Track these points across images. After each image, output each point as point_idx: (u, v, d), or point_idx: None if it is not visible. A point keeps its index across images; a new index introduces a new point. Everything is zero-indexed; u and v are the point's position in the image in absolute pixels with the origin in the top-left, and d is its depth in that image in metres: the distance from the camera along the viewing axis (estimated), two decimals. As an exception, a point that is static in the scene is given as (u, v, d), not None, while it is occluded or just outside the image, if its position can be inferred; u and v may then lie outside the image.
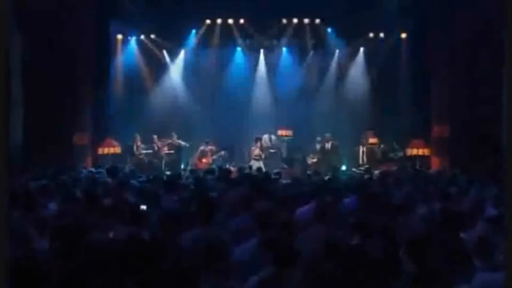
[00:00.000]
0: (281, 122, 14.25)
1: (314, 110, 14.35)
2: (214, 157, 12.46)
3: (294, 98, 14.38)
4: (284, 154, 13.40)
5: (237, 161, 13.07)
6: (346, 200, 5.19)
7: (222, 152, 12.71)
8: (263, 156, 11.65)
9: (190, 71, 14.07)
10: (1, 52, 2.13)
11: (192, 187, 6.25)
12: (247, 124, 14.43)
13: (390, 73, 13.46)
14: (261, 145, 11.62)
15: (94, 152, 11.68)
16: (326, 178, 7.11)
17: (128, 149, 11.89)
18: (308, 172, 9.88)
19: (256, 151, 11.33)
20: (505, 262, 2.35)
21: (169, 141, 12.28)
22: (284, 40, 14.08)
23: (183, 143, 12.32)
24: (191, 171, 8.92)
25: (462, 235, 3.51)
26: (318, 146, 12.48)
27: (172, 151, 12.19)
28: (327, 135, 12.34)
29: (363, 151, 11.93)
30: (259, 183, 5.65)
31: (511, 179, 2.35)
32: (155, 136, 12.06)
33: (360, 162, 11.67)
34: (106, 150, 11.58)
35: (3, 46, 2.19)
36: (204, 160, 12.23)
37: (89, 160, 11.50)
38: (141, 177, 7.36)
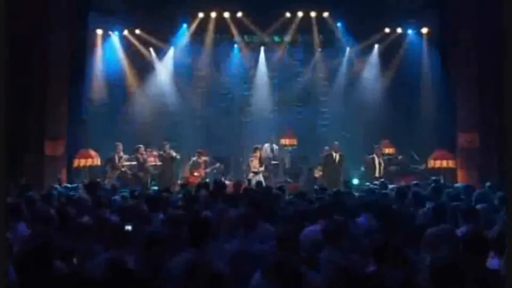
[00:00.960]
0: (284, 129, 14.32)
1: (322, 116, 14.48)
2: (208, 169, 12.48)
3: (298, 102, 14.55)
4: (288, 166, 13.48)
5: (234, 175, 13.22)
6: (359, 220, 5.19)
7: (217, 164, 12.73)
8: (263, 168, 11.66)
9: (180, 71, 14.18)
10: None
11: (182, 204, 6.27)
12: (246, 132, 14.60)
13: (409, 74, 13.50)
14: (261, 155, 11.63)
15: (69, 164, 11.67)
16: (336, 193, 7.12)
17: (108, 161, 11.89)
18: (315, 186, 9.87)
19: (256, 163, 11.34)
20: (506, 261, 2.59)
21: (158, 151, 12.31)
22: (287, 37, 14.19)
23: (173, 153, 12.35)
24: (182, 185, 8.92)
25: (491, 261, 3.50)
26: (330, 155, 12.49)
27: (159, 163, 12.19)
28: (337, 144, 12.38)
29: (378, 163, 11.89)
30: (259, 199, 5.65)
31: (511, 179, 2.42)
32: (140, 146, 12.06)
33: (375, 175, 11.65)
34: (83, 162, 11.56)
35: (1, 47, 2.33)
36: (196, 174, 12.24)
37: (63, 173, 11.48)
38: (124, 193, 7.37)
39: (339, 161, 11.92)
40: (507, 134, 2.97)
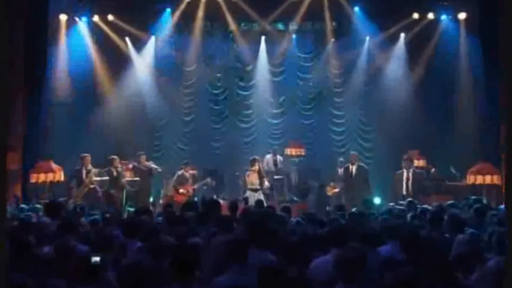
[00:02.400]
0: (289, 136, 14.44)
1: (336, 121, 14.56)
2: (196, 186, 12.50)
3: (307, 105, 14.65)
4: (294, 182, 13.52)
5: (228, 192, 13.32)
6: (382, 249, 5.19)
7: (208, 179, 12.76)
8: (264, 184, 11.63)
9: (163, 66, 14.27)
10: (2, 53, 2.43)
11: (165, 229, 6.26)
12: (243, 140, 14.67)
13: (443, 69, 13.58)
14: (261, 169, 11.60)
15: (26, 180, 11.67)
16: (353, 215, 7.12)
17: (74, 176, 11.87)
18: (328, 207, 9.86)
19: (254, 178, 11.30)
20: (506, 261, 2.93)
21: (134, 164, 12.31)
22: (293, 24, 14.30)
23: (154, 166, 12.36)
24: (165, 206, 8.92)
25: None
26: (341, 170, 12.49)
27: (137, 178, 12.21)
28: (354, 153, 12.41)
29: (406, 178, 11.88)
30: (258, 223, 5.65)
31: (511, 179, 3.07)
32: (114, 157, 12.06)
33: (401, 193, 11.64)
34: (42, 177, 11.53)
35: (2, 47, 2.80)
36: (182, 191, 12.24)
37: (18, 191, 11.48)
38: (93, 215, 7.37)
39: (357, 175, 11.85)
40: (507, 134, 3.49)
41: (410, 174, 11.60)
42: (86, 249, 4.99)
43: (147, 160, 12.54)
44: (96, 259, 4.30)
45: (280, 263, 4.07)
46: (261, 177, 11.24)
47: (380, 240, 5.38)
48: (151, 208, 11.19)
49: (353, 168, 11.93)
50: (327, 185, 12.78)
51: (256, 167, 11.23)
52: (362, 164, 12.26)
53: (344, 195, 11.80)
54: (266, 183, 11.37)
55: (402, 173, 11.54)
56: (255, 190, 11.15)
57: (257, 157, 11.74)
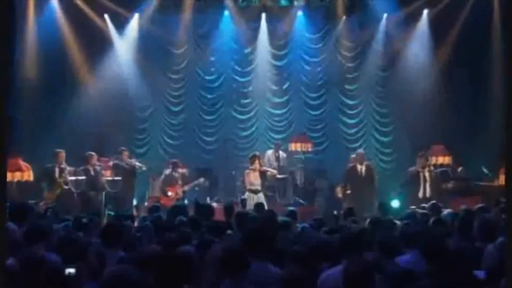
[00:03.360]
0: (294, 129, 14.46)
1: (348, 112, 14.56)
2: (187, 187, 12.49)
3: (315, 92, 14.64)
4: (300, 182, 13.55)
5: (223, 194, 13.31)
6: (401, 259, 5.18)
7: (200, 180, 12.74)
8: (265, 184, 11.63)
9: (148, 48, 14.27)
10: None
11: (151, 236, 6.27)
12: (240, 133, 14.67)
13: (473, 51, 13.56)
14: (262, 166, 11.60)
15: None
16: (367, 221, 7.10)
17: (45, 175, 11.86)
18: (336, 212, 9.84)
19: (255, 177, 11.29)
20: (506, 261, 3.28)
21: (115, 161, 12.28)
22: (299, 1, 14.32)
23: (138, 164, 12.34)
24: (150, 210, 8.92)
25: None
26: (353, 169, 12.47)
27: (118, 178, 12.20)
28: (361, 152, 12.37)
29: (428, 178, 11.86)
30: (259, 229, 5.64)
31: (511, 180, 3.53)
32: (92, 154, 12.03)
33: (423, 195, 11.60)
34: (8, 177, 11.54)
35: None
36: (170, 193, 12.24)
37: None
38: (67, 221, 7.36)
39: (366, 175, 11.88)
40: (507, 134, 3.91)
41: (431, 174, 11.56)
42: (59, 260, 4.96)
43: (130, 156, 12.50)
44: (70, 271, 4.29)
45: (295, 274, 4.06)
46: (262, 177, 11.21)
47: (399, 249, 5.37)
48: (134, 212, 11.22)
49: (362, 168, 11.94)
50: (337, 185, 12.73)
51: (257, 165, 11.21)
52: (369, 163, 12.32)
53: (357, 198, 11.77)
54: (273, 171, 11.45)
55: (421, 172, 11.52)
56: (256, 192, 11.11)
57: (257, 153, 11.74)
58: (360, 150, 12.60)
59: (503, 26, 13.18)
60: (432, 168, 11.67)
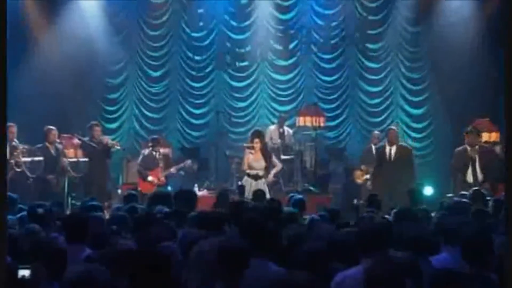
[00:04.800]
0: (303, 99, 14.47)
1: (370, 76, 14.55)
2: (172, 170, 12.49)
3: (329, 52, 14.59)
4: (310, 165, 13.54)
5: (215, 179, 13.34)
6: (436, 258, 5.26)
7: (187, 162, 12.73)
8: (266, 167, 11.55)
9: (119, 1, 14.27)
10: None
11: (125, 230, 6.32)
12: (235, 104, 14.69)
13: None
14: (264, 146, 11.54)
15: None
16: (393, 212, 7.11)
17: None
18: (357, 201, 9.85)
19: (257, 159, 11.23)
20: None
21: (82, 138, 12.25)
22: None
23: (111, 142, 12.30)
24: (126, 198, 8.94)
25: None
26: (375, 148, 12.47)
27: (86, 159, 12.19)
28: (394, 128, 12.27)
29: (470, 158, 11.81)
30: (258, 222, 5.66)
31: (511, 180, 4.10)
32: (51, 129, 12.00)
33: (473, 179, 11.50)
34: None
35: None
36: (151, 178, 12.24)
37: None
38: (21, 211, 7.37)
39: (401, 156, 11.75)
40: (507, 134, 4.53)
41: (475, 154, 11.50)
42: (9, 259, 4.99)
43: (101, 133, 12.46)
44: (25, 273, 4.30)
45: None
46: (265, 158, 11.09)
47: (434, 246, 5.40)
48: (106, 202, 11.22)
49: (392, 150, 11.72)
50: (356, 169, 12.73)
51: (259, 144, 11.09)
52: (405, 144, 12.19)
53: (379, 186, 11.72)
54: (278, 166, 11.36)
55: (465, 152, 11.45)
56: (256, 177, 11.04)
57: (260, 130, 11.69)
58: (393, 127, 12.37)
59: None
60: (479, 146, 11.52)
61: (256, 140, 11.09)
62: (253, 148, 11.07)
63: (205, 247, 5.22)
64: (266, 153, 11.13)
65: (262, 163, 11.00)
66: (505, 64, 5.04)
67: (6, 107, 4.58)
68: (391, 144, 11.57)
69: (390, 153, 11.64)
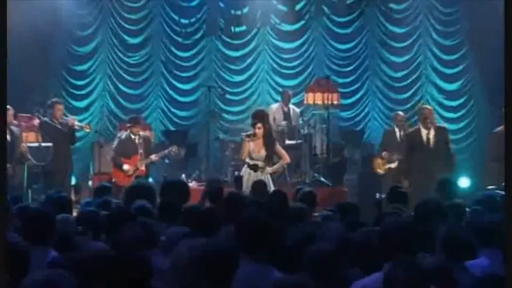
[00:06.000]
0: (313, 71, 14.58)
1: (394, 44, 14.57)
2: (154, 157, 12.47)
3: (344, 13, 14.61)
4: (321, 151, 13.58)
5: (206, 168, 13.35)
6: (473, 263, 5.24)
7: (172, 148, 12.70)
8: (268, 158, 11.48)
9: None
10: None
11: (97, 230, 6.34)
12: (230, 78, 14.79)
13: None
14: (268, 132, 11.39)
15: None
16: (421, 207, 7.07)
17: None
18: (379, 194, 9.85)
19: (257, 147, 11.11)
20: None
21: (43, 118, 12.22)
22: None
23: (78, 124, 12.28)
24: (97, 191, 8.93)
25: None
26: (400, 131, 12.54)
27: (48, 144, 12.17)
28: (428, 107, 12.17)
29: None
30: (260, 221, 5.66)
31: (511, 179, 4.63)
32: (7, 108, 11.97)
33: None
34: None
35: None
36: (126, 166, 12.24)
37: None
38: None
39: (433, 140, 11.65)
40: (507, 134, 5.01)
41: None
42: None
43: (63, 113, 12.44)
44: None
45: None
46: (266, 144, 10.98)
47: (470, 249, 5.41)
48: (73, 195, 11.23)
49: (430, 134, 11.61)
50: (376, 156, 12.76)
51: (261, 128, 10.96)
52: (442, 125, 12.14)
53: (409, 176, 11.71)
54: (284, 157, 11.17)
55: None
56: (256, 168, 10.97)
57: (263, 110, 11.47)
58: (427, 105, 12.26)
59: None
60: None
61: (259, 125, 10.89)
62: (254, 135, 10.85)
63: (183, 251, 5.21)
64: (269, 141, 10.87)
65: (264, 154, 10.83)
66: (506, 64, 5.37)
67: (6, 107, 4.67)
68: (427, 127, 11.43)
69: (427, 138, 11.48)
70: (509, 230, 4.63)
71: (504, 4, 5.61)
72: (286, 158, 11.00)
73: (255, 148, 10.81)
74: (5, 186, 4.61)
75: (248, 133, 10.91)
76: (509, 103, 5.26)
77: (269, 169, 10.77)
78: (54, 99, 12.45)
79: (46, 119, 12.21)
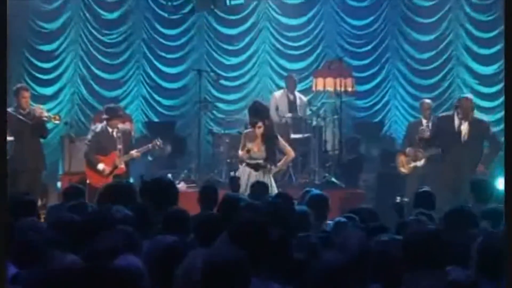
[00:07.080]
0: (322, 52, 14.76)
1: (418, 19, 14.73)
2: (134, 153, 12.50)
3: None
4: (333, 147, 13.71)
5: (197, 167, 13.47)
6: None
7: (157, 142, 12.75)
8: (270, 154, 11.52)
9: None
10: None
11: (67, 240, 6.26)
12: (225, 61, 14.99)
13: None
14: (269, 129, 11.39)
15: None
16: (452, 214, 7.07)
17: None
18: (400, 198, 9.90)
19: (254, 146, 11.14)
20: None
21: (6, 109, 12.29)
22: None
23: (46, 114, 12.31)
24: (67, 193, 8.95)
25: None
26: (427, 122, 12.60)
27: (10, 138, 12.21)
28: (468, 97, 12.15)
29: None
30: (259, 228, 5.69)
31: (511, 179, 5.23)
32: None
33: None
34: None
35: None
36: (101, 166, 12.26)
37: None
38: None
39: (472, 139, 11.60)
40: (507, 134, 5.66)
41: None
42: None
43: (28, 101, 12.47)
44: None
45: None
46: (266, 139, 11.00)
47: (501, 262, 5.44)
48: (39, 199, 11.27)
49: (466, 127, 11.59)
50: (399, 153, 12.77)
51: (262, 128, 10.97)
52: (480, 118, 12.11)
53: (440, 176, 11.73)
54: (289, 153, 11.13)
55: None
56: (256, 167, 11.02)
57: (262, 103, 11.44)
58: (467, 95, 12.20)
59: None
60: None
61: (259, 124, 10.91)
62: (254, 135, 10.87)
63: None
64: (271, 138, 10.87)
65: (265, 153, 10.85)
66: (506, 64, 5.90)
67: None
68: (464, 118, 11.40)
69: (466, 131, 11.45)
70: (509, 230, 5.08)
71: (504, 4, 6.02)
72: (291, 154, 11.03)
73: (254, 147, 10.84)
74: (5, 186, 5.17)
75: (247, 131, 10.95)
76: (509, 103, 5.62)
77: (273, 169, 10.79)
78: (19, 85, 12.47)
79: (10, 109, 12.21)
